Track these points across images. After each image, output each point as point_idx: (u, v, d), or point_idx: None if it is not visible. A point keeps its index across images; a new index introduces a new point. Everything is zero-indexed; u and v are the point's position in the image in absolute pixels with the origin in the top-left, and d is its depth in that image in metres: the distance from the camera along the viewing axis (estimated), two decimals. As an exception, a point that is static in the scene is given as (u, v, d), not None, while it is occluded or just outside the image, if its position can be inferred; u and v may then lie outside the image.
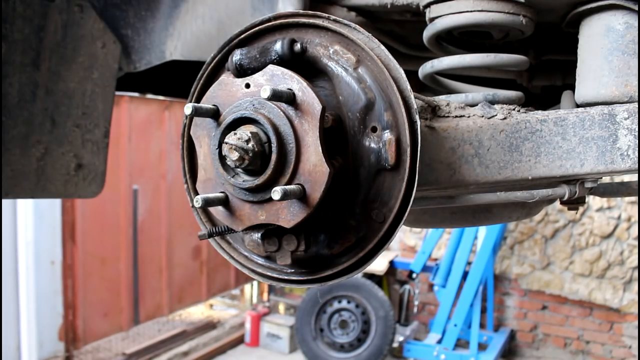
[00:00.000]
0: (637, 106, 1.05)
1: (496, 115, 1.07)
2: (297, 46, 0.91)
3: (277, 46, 0.90)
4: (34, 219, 5.43)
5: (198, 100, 1.00)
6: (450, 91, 1.40)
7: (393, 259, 7.22)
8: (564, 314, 6.98)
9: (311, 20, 0.94)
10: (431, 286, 6.90)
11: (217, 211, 0.93)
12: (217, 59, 1.00)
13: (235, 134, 0.85)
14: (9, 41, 1.52)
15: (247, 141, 0.84)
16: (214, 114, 0.91)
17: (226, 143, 0.85)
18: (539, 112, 1.09)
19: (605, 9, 1.15)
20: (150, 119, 6.43)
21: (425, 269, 6.64)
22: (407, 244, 7.59)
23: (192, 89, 1.02)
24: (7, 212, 5.31)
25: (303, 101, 0.85)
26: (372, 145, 0.90)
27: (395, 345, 6.27)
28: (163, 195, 6.62)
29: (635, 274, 6.52)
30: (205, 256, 7.30)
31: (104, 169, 1.86)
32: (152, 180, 6.49)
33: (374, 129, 0.90)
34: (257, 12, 1.50)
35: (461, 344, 6.22)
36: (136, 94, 5.78)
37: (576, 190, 1.12)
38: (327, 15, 0.94)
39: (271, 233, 0.92)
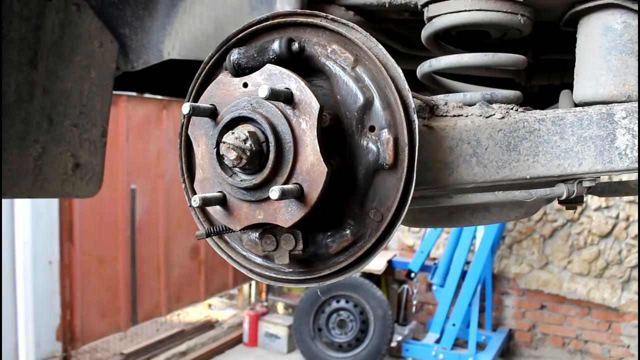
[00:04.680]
0: (635, 105, 1.05)
1: (494, 114, 1.07)
2: (295, 45, 0.91)
3: (275, 45, 0.90)
4: (31, 218, 5.42)
5: (196, 99, 1.00)
6: (448, 90, 1.40)
7: (391, 258, 7.23)
8: (562, 313, 6.99)
9: (309, 20, 0.94)
10: (429, 286, 6.90)
11: (215, 210, 0.93)
12: (214, 58, 1.00)
13: (232, 133, 0.85)
14: (6, 40, 1.51)
15: (245, 140, 0.84)
16: (212, 113, 0.91)
17: (224, 142, 0.85)
18: (537, 111, 1.10)
19: (603, 8, 1.15)
20: (148, 119, 6.42)
21: (424, 268, 6.64)
22: (406, 243, 7.60)
23: (190, 89, 1.02)
24: (5, 211, 5.30)
25: (301, 100, 0.85)
26: (370, 144, 0.90)
27: (393, 344, 6.27)
28: (161, 195, 6.62)
29: (634, 273, 6.53)
30: (203, 256, 7.30)
31: (101, 168, 1.85)
32: (150, 180, 6.48)
33: (372, 129, 0.90)
34: (255, 11, 1.50)
35: (459, 343, 6.22)
36: (134, 94, 5.77)
37: (574, 190, 1.12)
38: (325, 14, 0.93)
39: (269, 232, 0.92)
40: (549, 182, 1.12)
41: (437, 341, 6.14)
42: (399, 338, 6.29)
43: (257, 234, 0.93)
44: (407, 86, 0.90)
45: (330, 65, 0.93)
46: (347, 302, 6.45)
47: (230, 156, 0.84)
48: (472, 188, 1.08)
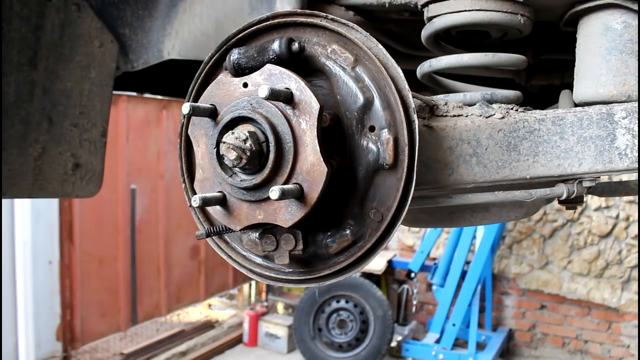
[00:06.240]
0: (635, 105, 1.05)
1: (494, 114, 1.07)
2: (295, 45, 0.91)
3: (275, 45, 0.90)
4: (31, 218, 5.42)
5: (196, 99, 1.00)
6: (448, 90, 1.40)
7: (391, 258, 7.22)
8: (562, 313, 6.99)
9: (309, 20, 0.94)
10: (429, 286, 6.90)
11: (215, 211, 0.93)
12: (214, 58, 1.00)
13: (232, 133, 0.85)
14: (6, 40, 1.51)
15: (245, 140, 0.84)
16: (212, 113, 0.91)
17: (224, 142, 0.85)
18: (537, 111, 1.10)
19: (603, 8, 1.15)
20: (148, 119, 6.42)
21: (424, 268, 6.64)
22: (406, 243, 7.60)
23: (190, 89, 1.02)
24: (5, 211, 5.30)
25: (301, 100, 0.85)
26: (370, 144, 0.90)
27: (393, 344, 6.27)
28: (161, 195, 6.61)
29: (634, 273, 6.53)
30: (203, 256, 7.30)
31: (101, 168, 1.85)
32: (150, 180, 6.48)
33: (372, 129, 0.90)
34: (255, 11, 1.50)
35: (459, 343, 6.22)
36: (134, 94, 5.77)
37: (574, 190, 1.12)
38: (325, 14, 0.93)
39: (269, 232, 0.92)
40: (549, 182, 1.12)
41: (437, 341, 6.13)
42: (399, 338, 6.29)
43: (257, 234, 0.93)
44: (407, 86, 0.90)
45: (330, 65, 0.93)
46: (347, 302, 6.45)
47: (230, 156, 0.84)
48: (472, 188, 1.08)
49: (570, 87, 1.25)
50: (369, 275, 6.74)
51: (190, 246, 7.13)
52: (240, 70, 0.93)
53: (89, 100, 1.75)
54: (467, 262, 6.34)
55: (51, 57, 1.62)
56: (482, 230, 6.23)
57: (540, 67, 1.78)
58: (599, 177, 1.15)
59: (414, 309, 7.30)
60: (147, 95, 5.93)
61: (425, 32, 1.33)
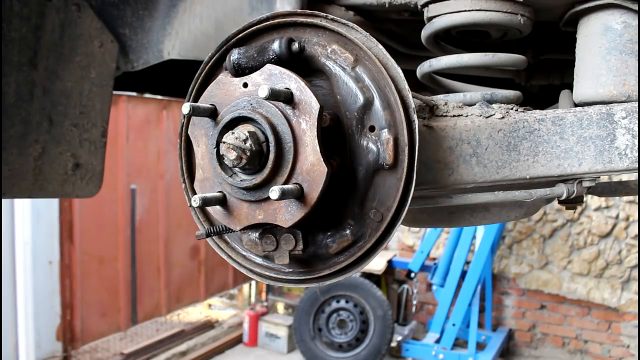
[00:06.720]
0: (635, 105, 1.05)
1: (494, 114, 1.07)
2: (295, 45, 0.91)
3: (275, 45, 0.90)
4: (31, 218, 5.42)
5: (196, 99, 1.00)
6: (448, 90, 1.40)
7: (391, 258, 7.23)
8: (562, 313, 6.99)
9: (309, 20, 0.94)
10: (429, 285, 6.90)
11: (215, 210, 0.93)
12: (214, 58, 1.00)
13: (232, 133, 0.85)
14: (6, 40, 1.51)
15: (245, 140, 0.84)
16: (212, 113, 0.91)
17: (224, 142, 0.85)
18: (537, 111, 1.10)
19: (603, 8, 1.15)
20: (148, 119, 6.42)
21: (424, 268, 6.64)
22: (406, 243, 7.60)
23: (190, 89, 1.02)
24: (5, 211, 5.30)
25: (301, 100, 0.85)
26: (370, 144, 0.90)
27: (393, 344, 6.27)
28: (161, 195, 6.61)
29: (634, 273, 6.53)
30: (203, 256, 7.30)
31: (101, 168, 1.85)
32: (150, 180, 6.48)
33: (372, 129, 0.90)
34: (255, 11, 1.50)
35: (459, 343, 6.22)
36: (134, 94, 5.77)
37: (574, 190, 1.12)
38: (325, 14, 0.94)
39: (269, 232, 0.92)
40: (549, 182, 1.12)
41: (437, 341, 6.14)
42: (399, 338, 6.29)
43: (257, 234, 0.93)
44: (407, 86, 0.90)
45: (330, 65, 0.93)
46: (347, 302, 6.45)
47: (230, 156, 0.84)
48: (472, 188, 1.08)
49: (570, 87, 1.25)
50: (369, 275, 6.74)
51: (190, 246, 7.13)
52: (240, 70, 0.93)
53: (89, 100, 1.75)
54: (467, 262, 6.34)
55: (51, 57, 1.62)
56: (482, 230, 6.23)
57: (540, 67, 1.78)
58: (599, 177, 1.15)
59: (414, 309, 7.30)
60: (147, 95, 5.93)
61: (425, 32, 1.33)
